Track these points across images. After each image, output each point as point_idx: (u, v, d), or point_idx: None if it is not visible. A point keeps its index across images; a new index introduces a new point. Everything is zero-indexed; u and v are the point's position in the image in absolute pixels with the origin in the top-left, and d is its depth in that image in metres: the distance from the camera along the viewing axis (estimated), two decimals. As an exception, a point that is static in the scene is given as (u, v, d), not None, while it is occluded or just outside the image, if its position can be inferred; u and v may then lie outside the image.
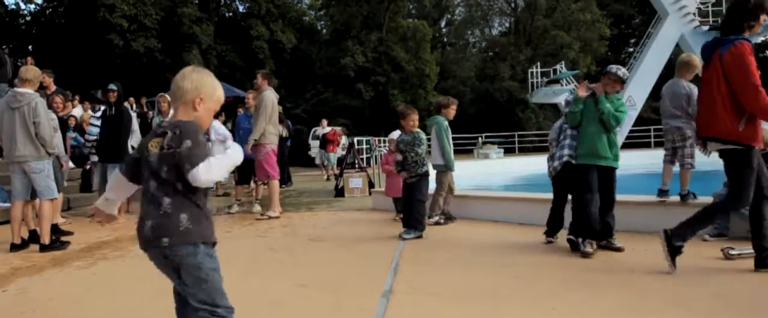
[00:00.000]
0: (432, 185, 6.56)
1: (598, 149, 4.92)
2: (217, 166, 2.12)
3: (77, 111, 11.96)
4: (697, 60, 5.42)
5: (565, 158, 5.14)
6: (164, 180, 2.14)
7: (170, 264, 2.16)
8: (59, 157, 7.63)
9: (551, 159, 5.40)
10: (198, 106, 2.26)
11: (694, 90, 5.35)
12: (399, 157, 6.20)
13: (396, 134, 7.11)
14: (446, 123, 6.93)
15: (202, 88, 2.27)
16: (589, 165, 4.96)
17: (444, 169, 6.88)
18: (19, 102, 5.61)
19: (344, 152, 14.51)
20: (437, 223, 6.71)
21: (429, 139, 6.84)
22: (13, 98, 5.66)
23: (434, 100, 7.57)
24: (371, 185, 10.81)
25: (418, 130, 6.26)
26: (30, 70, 5.81)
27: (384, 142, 18.82)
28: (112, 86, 7.68)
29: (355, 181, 10.95)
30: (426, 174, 6.14)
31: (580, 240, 4.93)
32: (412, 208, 6.02)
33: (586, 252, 4.80)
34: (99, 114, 8.90)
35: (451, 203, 7.10)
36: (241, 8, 32.66)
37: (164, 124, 2.22)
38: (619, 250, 4.94)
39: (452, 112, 7.06)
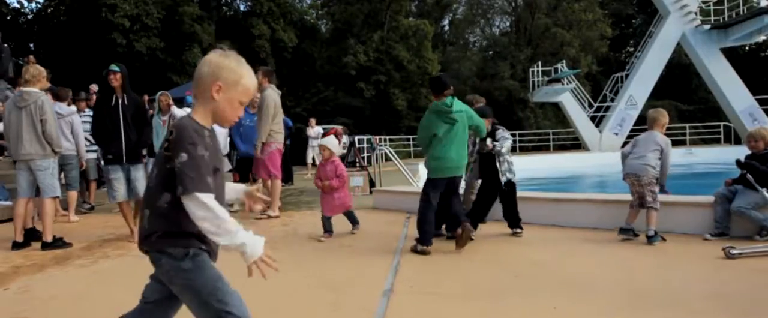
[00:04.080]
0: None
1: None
2: (214, 216, 1.84)
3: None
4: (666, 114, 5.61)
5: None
6: (156, 183, 1.94)
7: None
8: (80, 157, 7.81)
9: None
10: (216, 95, 1.94)
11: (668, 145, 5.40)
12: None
13: (328, 140, 6.32)
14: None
15: (220, 72, 1.94)
16: None
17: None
18: (26, 101, 5.66)
19: (345, 151, 14.53)
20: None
21: None
22: (19, 97, 5.72)
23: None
24: (372, 184, 10.81)
25: None
26: (29, 70, 5.85)
27: (385, 140, 18.78)
28: (115, 67, 6.04)
29: (355, 180, 10.95)
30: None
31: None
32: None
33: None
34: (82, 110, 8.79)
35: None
36: (242, 7, 32.69)
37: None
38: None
39: None
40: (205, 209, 1.83)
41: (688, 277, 4.09)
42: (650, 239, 5.15)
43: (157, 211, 1.94)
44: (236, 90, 1.98)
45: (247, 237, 1.88)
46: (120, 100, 6.01)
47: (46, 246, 5.71)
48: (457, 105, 5.22)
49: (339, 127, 17.24)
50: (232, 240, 1.85)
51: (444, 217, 5.47)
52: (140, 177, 6.16)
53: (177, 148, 1.85)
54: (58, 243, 5.82)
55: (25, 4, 28.94)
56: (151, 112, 10.95)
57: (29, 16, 29.82)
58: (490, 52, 42.69)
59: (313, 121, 17.19)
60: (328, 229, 6.11)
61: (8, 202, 7.88)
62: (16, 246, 5.78)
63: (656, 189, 5.30)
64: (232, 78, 1.96)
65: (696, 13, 22.74)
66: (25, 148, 5.65)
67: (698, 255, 4.70)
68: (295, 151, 14.91)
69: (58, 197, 6.07)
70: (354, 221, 6.39)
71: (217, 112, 1.98)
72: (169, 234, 1.94)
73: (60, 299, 3.95)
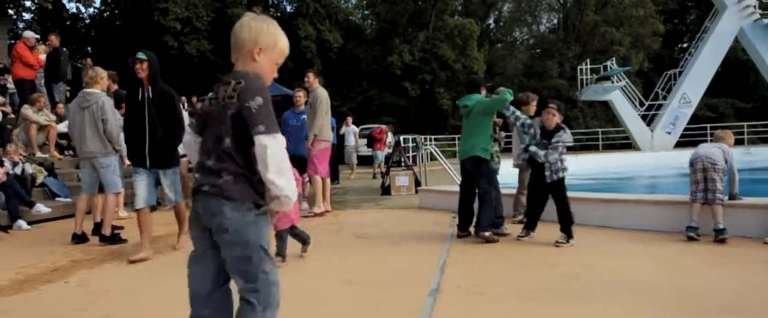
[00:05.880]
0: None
1: None
2: (285, 158, 1.97)
3: None
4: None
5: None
6: (224, 139, 2.00)
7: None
8: (122, 156, 8.08)
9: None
10: (257, 57, 2.11)
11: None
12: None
13: None
14: (527, 120, 6.87)
15: (259, 36, 2.11)
16: None
17: (526, 167, 6.70)
18: (88, 102, 5.95)
19: (390, 150, 14.57)
20: (521, 222, 6.54)
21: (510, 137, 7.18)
22: (82, 99, 6.01)
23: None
24: (418, 183, 10.80)
25: None
26: (87, 73, 6.17)
27: (430, 140, 18.71)
28: (141, 55, 5.23)
29: (401, 179, 10.98)
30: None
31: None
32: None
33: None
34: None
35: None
36: (288, 8, 33.06)
37: (230, 74, 2.09)
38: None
39: (532, 108, 7.04)
40: (280, 148, 1.96)
41: (746, 282, 3.93)
42: (720, 233, 5.08)
43: (220, 156, 2.03)
44: (274, 52, 2.16)
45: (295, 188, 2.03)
46: (146, 94, 5.25)
47: (104, 239, 5.99)
48: (462, 100, 6.08)
49: (384, 126, 17.28)
50: (290, 185, 1.99)
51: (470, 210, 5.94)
52: (171, 183, 5.38)
53: (250, 93, 1.97)
54: (116, 238, 6.07)
55: (83, 9, 30.09)
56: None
57: (86, 21, 31.00)
58: (538, 50, 41.96)
59: (349, 119, 17.23)
60: (281, 250, 4.85)
61: (68, 199, 8.22)
62: (75, 238, 6.06)
63: (723, 177, 5.36)
64: (271, 41, 2.14)
65: (755, 7, 21.80)
66: (88, 146, 5.95)
67: (757, 259, 4.52)
68: (339, 151, 15.04)
69: (119, 193, 6.34)
70: (303, 241, 5.09)
71: (257, 71, 2.12)
72: (239, 178, 2.02)
73: (116, 293, 4.10)
